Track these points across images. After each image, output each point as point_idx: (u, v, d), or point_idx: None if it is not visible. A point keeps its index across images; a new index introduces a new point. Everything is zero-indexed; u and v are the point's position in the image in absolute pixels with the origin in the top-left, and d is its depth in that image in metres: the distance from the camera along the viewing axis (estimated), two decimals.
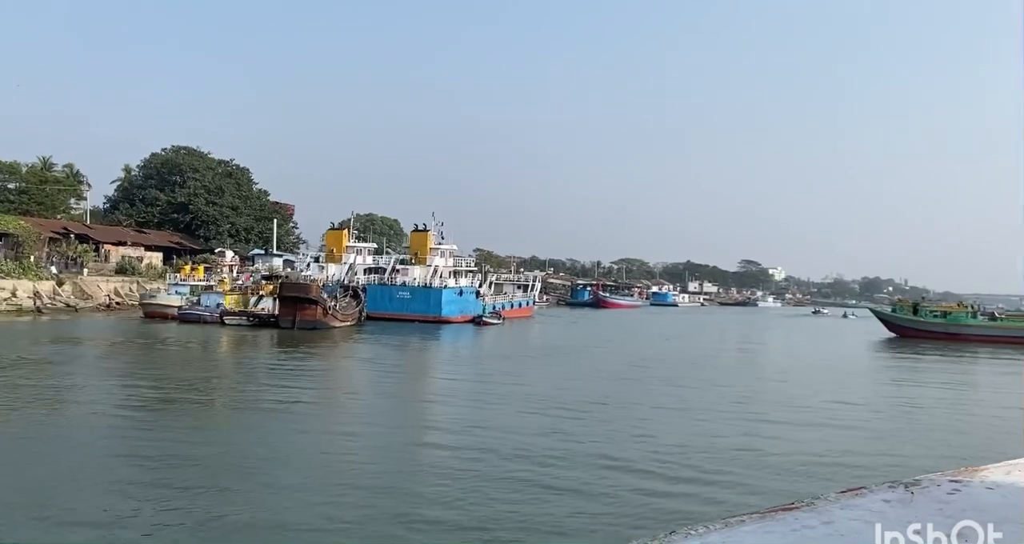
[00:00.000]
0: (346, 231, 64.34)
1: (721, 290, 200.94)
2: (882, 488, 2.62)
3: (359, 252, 64.65)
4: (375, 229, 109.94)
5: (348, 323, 50.87)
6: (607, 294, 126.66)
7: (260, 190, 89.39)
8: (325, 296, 48.65)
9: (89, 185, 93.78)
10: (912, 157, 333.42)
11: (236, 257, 59.37)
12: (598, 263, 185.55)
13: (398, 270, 62.22)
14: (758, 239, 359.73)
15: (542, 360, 36.40)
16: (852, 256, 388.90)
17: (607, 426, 19.14)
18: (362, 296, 55.29)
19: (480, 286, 75.22)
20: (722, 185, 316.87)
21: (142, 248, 74.09)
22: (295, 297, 45.90)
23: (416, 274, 61.51)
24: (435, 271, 61.43)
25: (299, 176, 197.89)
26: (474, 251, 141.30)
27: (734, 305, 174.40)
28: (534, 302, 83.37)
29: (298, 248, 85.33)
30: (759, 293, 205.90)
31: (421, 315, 58.04)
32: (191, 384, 24.43)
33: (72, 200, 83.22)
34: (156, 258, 73.61)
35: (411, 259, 63.49)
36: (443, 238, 65.45)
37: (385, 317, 57.97)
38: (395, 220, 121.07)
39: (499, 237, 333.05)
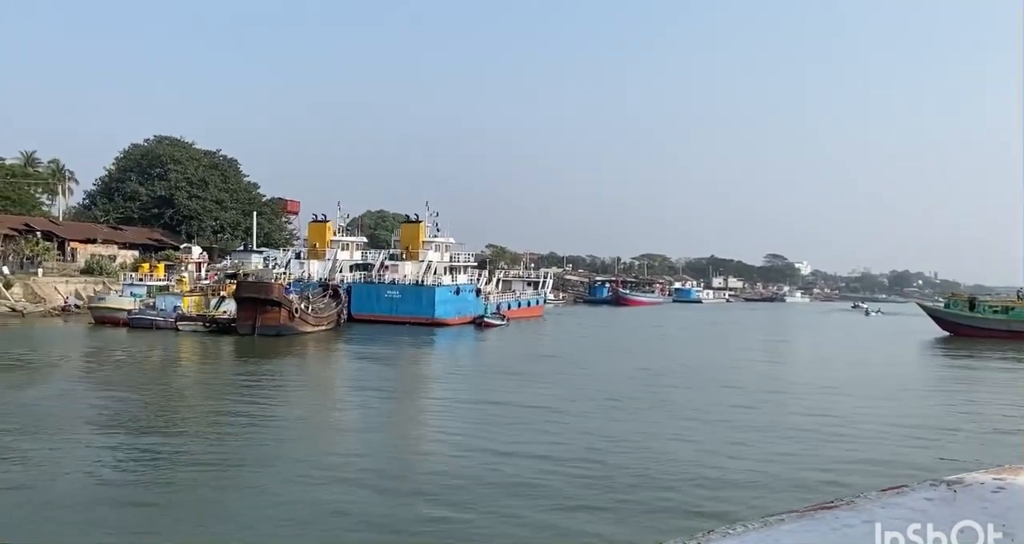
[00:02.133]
0: (330, 224, 57.46)
1: (747, 285, 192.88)
2: (924, 486, 2.52)
3: (345, 247, 57.71)
4: (386, 225, 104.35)
5: (323, 327, 44.22)
6: (627, 291, 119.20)
7: (249, 183, 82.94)
8: (293, 297, 42.05)
9: (77, 181, 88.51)
10: (939, 149, 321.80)
11: (204, 254, 52.76)
12: (618, 259, 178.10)
13: (387, 266, 55.31)
14: (783, 233, 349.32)
15: (536, 379, 29.36)
16: (879, 249, 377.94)
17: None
18: (343, 296, 48.51)
19: (487, 283, 68.72)
20: (745, 179, 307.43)
21: (115, 246, 67.94)
22: (253, 298, 39.29)
23: (407, 271, 54.58)
24: (428, 267, 54.47)
25: (314, 174, 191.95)
26: (487, 247, 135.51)
27: (761, 301, 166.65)
28: (545, 300, 76.24)
29: (292, 244, 78.79)
30: (786, 288, 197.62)
31: (412, 317, 51.30)
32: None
33: (47, 196, 77.46)
34: (132, 257, 67.42)
35: (402, 254, 56.54)
36: (439, 230, 58.48)
37: (372, 319, 51.40)
38: (407, 216, 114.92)
39: (517, 234, 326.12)
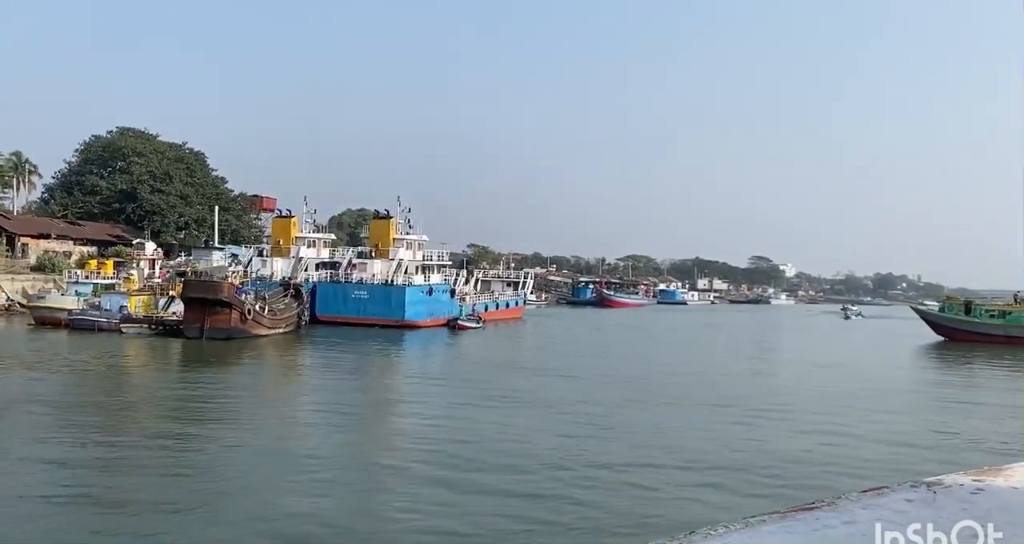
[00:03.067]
0: (295, 219, 54.01)
1: (732, 287, 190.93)
2: (904, 487, 2.53)
3: (311, 244, 54.29)
4: (367, 224, 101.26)
5: (281, 330, 41.02)
6: (611, 292, 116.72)
7: (217, 177, 79.23)
8: (247, 297, 38.87)
9: (40, 175, 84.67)
10: (923, 152, 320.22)
11: (159, 250, 49.35)
12: (603, 260, 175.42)
13: (355, 265, 52.06)
14: (768, 235, 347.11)
15: (505, 392, 26.35)
16: (863, 252, 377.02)
17: None
18: (305, 296, 45.26)
19: (465, 283, 65.78)
20: (731, 180, 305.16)
21: (71, 242, 64.32)
22: (201, 299, 36.06)
23: (376, 269, 51.32)
24: (399, 266, 51.22)
25: (298, 174, 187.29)
26: (468, 246, 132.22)
27: (746, 303, 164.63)
28: (525, 301, 73.27)
29: (262, 241, 75.35)
30: (771, 290, 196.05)
31: (381, 318, 48.22)
32: None
33: (1, 190, 73.66)
34: (88, 253, 63.77)
35: (371, 252, 53.22)
36: (411, 227, 55.14)
37: (338, 321, 48.27)
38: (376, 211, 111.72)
39: (502, 234, 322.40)
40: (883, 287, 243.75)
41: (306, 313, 45.03)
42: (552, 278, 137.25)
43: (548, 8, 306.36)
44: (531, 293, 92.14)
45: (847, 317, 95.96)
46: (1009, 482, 2.60)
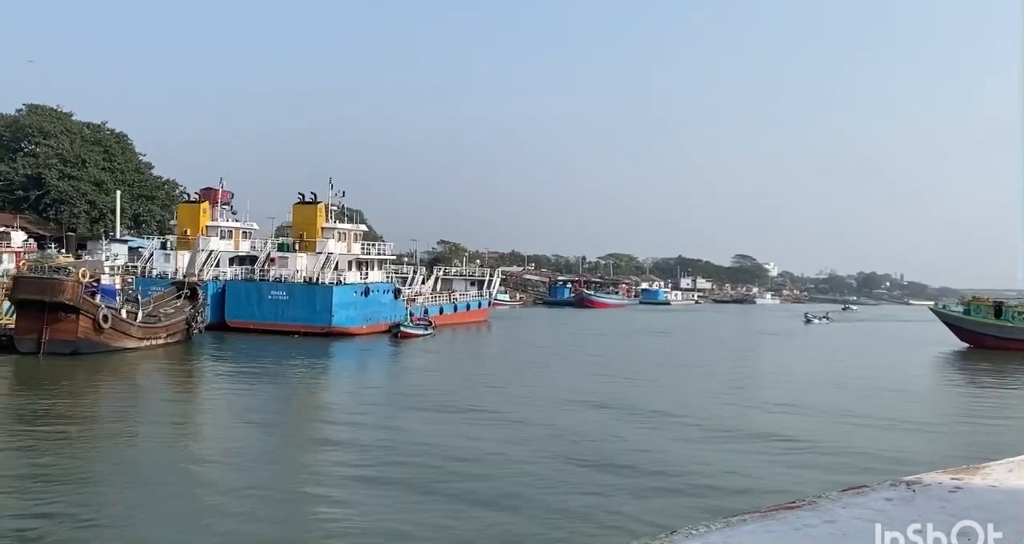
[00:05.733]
0: (204, 206, 44.90)
1: (715, 286, 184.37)
2: (883, 486, 2.54)
3: (225, 234, 45.35)
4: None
5: (161, 341, 32.11)
6: (592, 292, 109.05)
7: (142, 162, 69.89)
8: (116, 298, 30.08)
9: None
10: (906, 150, 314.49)
11: (32, 241, 40.26)
12: (583, 258, 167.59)
13: (274, 259, 43.10)
14: (750, 233, 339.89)
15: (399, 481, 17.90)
16: (845, 251, 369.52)
17: None
18: (203, 297, 36.32)
19: (423, 282, 57.70)
20: (714, 178, 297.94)
21: None
22: (39, 301, 27.20)
23: (299, 265, 42.39)
24: (327, 261, 42.29)
25: (273, 172, 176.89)
26: (439, 243, 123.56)
27: (730, 302, 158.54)
28: (491, 302, 64.67)
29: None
30: (755, 290, 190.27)
31: (304, 325, 39.67)
32: None
33: None
34: None
35: (295, 244, 44.21)
36: (345, 214, 46.19)
37: (251, 328, 39.69)
38: (358, 211, 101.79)
39: (481, 233, 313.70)
40: (867, 286, 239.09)
41: (204, 318, 36.11)
42: (529, 277, 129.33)
43: (531, 7, 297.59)
44: (503, 292, 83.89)
45: (808, 321, 78.16)
46: (987, 480, 2.59)
